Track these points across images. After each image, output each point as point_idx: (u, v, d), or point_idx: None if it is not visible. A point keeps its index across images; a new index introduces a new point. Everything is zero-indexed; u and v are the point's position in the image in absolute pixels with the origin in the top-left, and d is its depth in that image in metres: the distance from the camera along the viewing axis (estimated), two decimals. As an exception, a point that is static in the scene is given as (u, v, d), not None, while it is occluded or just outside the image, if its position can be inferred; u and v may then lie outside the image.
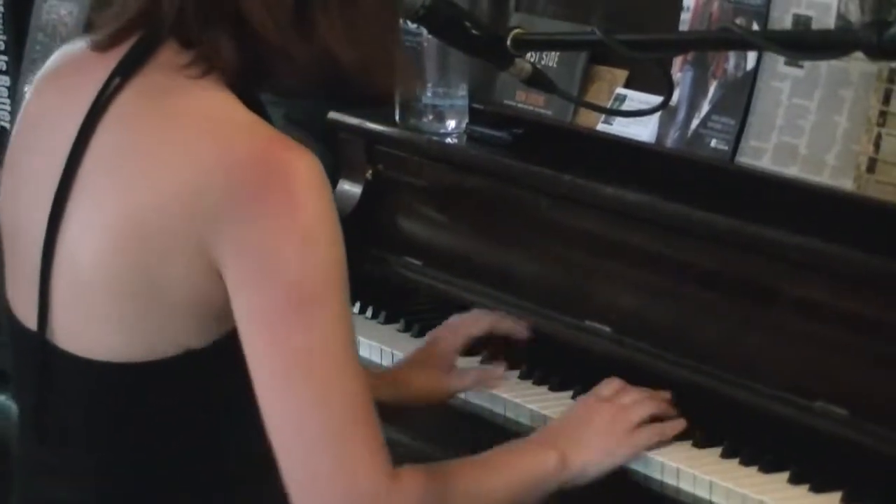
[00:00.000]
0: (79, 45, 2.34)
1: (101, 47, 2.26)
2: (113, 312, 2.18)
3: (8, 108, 4.36)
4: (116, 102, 2.22)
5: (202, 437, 2.22)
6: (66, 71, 2.33)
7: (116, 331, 2.19)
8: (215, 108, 2.19)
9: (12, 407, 2.96)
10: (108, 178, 2.20)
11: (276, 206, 2.12)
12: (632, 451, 2.50)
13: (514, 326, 2.80)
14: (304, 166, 2.15)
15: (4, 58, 4.39)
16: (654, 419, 2.55)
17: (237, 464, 2.22)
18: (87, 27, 2.46)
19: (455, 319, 2.81)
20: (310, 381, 2.16)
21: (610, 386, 2.56)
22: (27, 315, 2.27)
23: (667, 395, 2.58)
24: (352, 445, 2.17)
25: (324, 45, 2.23)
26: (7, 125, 4.32)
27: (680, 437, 2.53)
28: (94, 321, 2.20)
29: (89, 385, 2.23)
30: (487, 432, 2.64)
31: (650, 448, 2.50)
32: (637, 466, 2.49)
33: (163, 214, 2.14)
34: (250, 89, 2.25)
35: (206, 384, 2.20)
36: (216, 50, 2.21)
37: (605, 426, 2.50)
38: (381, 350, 2.94)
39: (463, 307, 2.94)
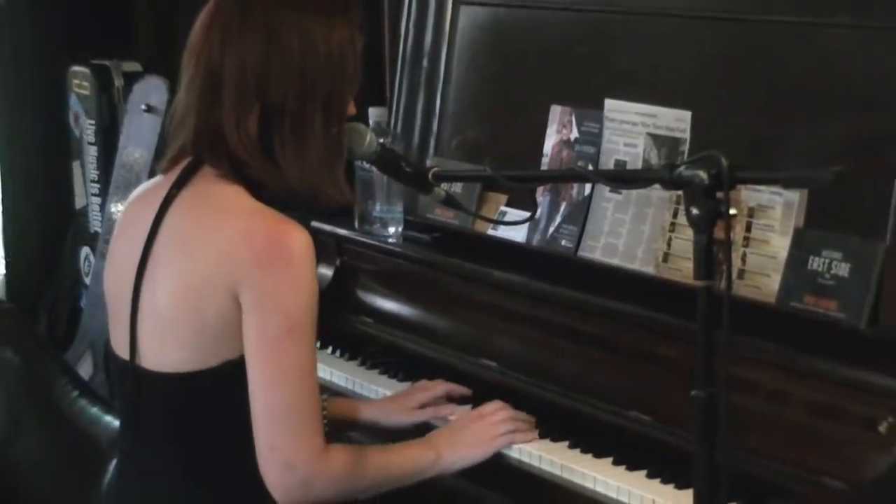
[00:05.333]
0: (152, 181, 2.37)
1: (164, 171, 2.31)
2: (177, 337, 2.21)
3: (100, 218, 4.34)
4: (174, 205, 2.25)
5: (238, 419, 2.21)
6: (144, 194, 2.35)
7: (179, 350, 2.21)
8: (236, 201, 2.22)
9: (102, 417, 2.94)
10: (171, 252, 2.23)
11: (280, 265, 2.15)
12: (488, 452, 2.46)
13: (456, 389, 2.70)
14: (299, 239, 2.18)
15: (98, 185, 4.36)
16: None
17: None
18: (155, 166, 2.45)
19: (424, 383, 2.71)
20: (283, 383, 2.18)
21: (490, 406, 2.54)
22: (122, 349, 2.29)
23: (529, 418, 2.55)
24: (301, 428, 2.19)
25: (281, 168, 2.24)
26: (99, 229, 4.31)
27: (542, 435, 2.52)
28: (165, 345, 2.22)
29: (164, 390, 2.24)
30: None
31: (502, 448, 2.48)
32: (513, 453, 2.49)
33: (206, 273, 2.17)
34: (259, 191, 2.26)
35: (239, 383, 2.20)
36: (228, 171, 2.24)
37: (472, 436, 2.47)
38: (346, 378, 2.91)
39: (402, 352, 2.94)
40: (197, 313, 2.19)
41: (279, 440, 2.18)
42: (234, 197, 2.22)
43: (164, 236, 2.24)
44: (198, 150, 2.26)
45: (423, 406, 2.66)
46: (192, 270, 2.19)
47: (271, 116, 2.22)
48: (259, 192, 2.25)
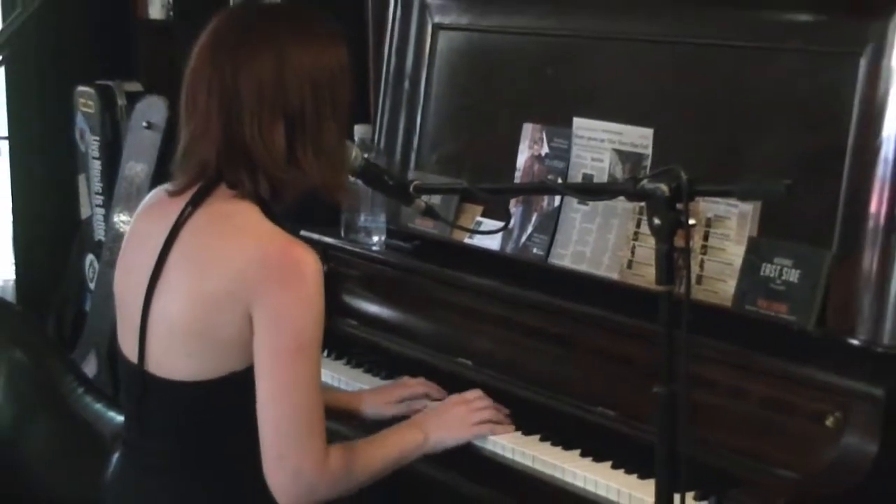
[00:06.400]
0: (161, 190, 2.34)
1: (176, 194, 2.27)
2: (187, 347, 2.18)
3: (103, 227, 4.34)
4: (190, 222, 2.22)
5: (241, 428, 2.20)
6: (155, 208, 2.32)
7: (188, 359, 2.19)
8: (252, 222, 2.20)
9: (106, 412, 2.94)
10: (186, 265, 2.20)
11: (291, 284, 2.14)
12: (470, 437, 2.47)
13: (433, 390, 2.68)
14: (309, 261, 2.16)
15: (102, 197, 4.37)
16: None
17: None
18: (157, 180, 2.42)
19: (406, 380, 2.70)
20: (292, 396, 2.16)
21: (472, 392, 2.55)
22: (131, 353, 2.26)
23: (505, 410, 2.54)
24: (307, 437, 2.18)
25: (304, 171, 2.23)
26: (103, 238, 4.31)
27: (514, 428, 2.51)
28: (174, 354, 2.20)
29: (171, 396, 2.23)
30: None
31: (483, 436, 2.48)
32: (487, 445, 2.48)
33: (220, 287, 2.15)
34: (271, 208, 2.24)
35: (243, 392, 2.18)
36: (247, 187, 2.22)
37: (457, 419, 2.47)
38: (332, 376, 2.90)
39: (385, 351, 2.93)
40: (208, 326, 2.17)
41: (287, 449, 2.17)
42: (249, 216, 2.21)
43: (178, 250, 2.22)
44: (219, 168, 2.23)
45: (402, 401, 2.65)
46: (206, 285, 2.17)
47: (293, 125, 2.22)
48: (270, 208, 2.24)
